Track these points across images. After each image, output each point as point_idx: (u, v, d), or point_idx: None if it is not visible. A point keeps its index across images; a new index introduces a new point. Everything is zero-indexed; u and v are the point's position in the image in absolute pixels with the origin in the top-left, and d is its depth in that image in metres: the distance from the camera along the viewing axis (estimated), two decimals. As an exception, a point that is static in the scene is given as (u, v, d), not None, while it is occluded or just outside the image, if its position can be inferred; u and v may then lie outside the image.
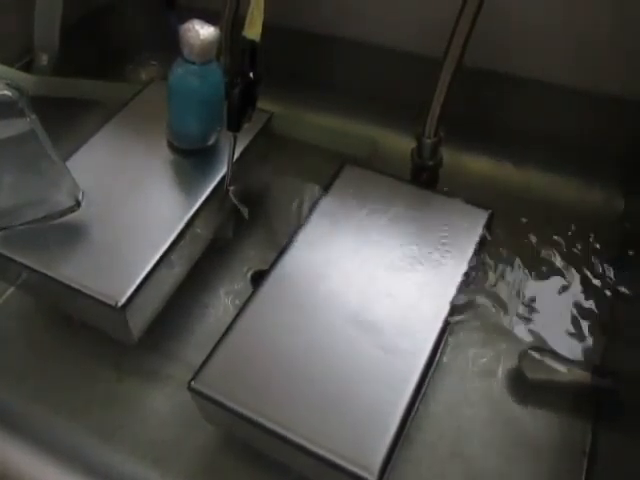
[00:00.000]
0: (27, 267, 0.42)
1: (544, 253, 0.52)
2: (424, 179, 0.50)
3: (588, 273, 0.51)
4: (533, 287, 0.50)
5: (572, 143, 0.55)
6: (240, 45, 0.43)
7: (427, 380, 0.38)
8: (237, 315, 0.40)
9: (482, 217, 0.45)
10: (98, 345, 0.47)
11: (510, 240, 0.52)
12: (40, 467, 0.41)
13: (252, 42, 0.43)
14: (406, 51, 0.57)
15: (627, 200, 0.55)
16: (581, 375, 0.44)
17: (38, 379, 0.47)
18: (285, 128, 0.60)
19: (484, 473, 0.41)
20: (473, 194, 0.47)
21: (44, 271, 0.41)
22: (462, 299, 0.42)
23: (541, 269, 0.51)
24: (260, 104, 0.46)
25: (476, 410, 0.44)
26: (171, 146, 0.49)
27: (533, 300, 0.49)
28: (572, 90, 0.53)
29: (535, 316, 0.48)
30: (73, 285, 0.41)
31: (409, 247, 0.43)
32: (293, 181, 0.57)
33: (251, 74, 0.44)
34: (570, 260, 0.51)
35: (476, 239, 0.44)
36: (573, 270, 0.51)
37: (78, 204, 0.44)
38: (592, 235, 0.53)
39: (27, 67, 0.58)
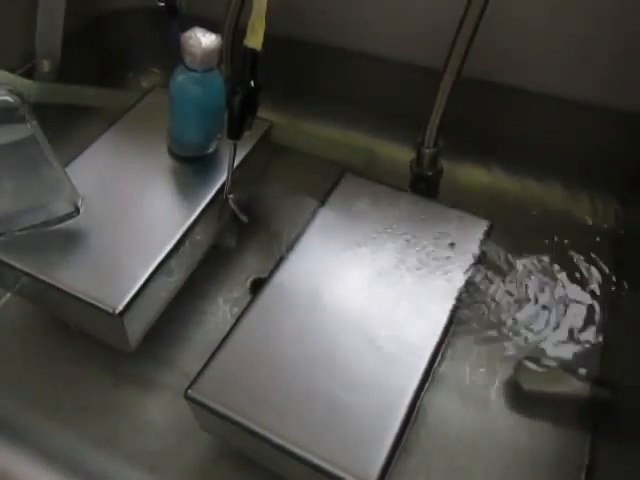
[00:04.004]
0: (25, 273, 0.42)
1: (543, 263, 0.52)
2: (423, 189, 0.50)
3: (586, 284, 0.51)
4: (531, 297, 0.50)
5: (571, 154, 0.56)
6: (241, 53, 0.44)
7: (425, 391, 0.38)
8: (235, 323, 0.40)
9: (482, 227, 0.45)
10: (95, 352, 0.47)
11: (509, 250, 0.52)
12: (35, 473, 0.40)
13: (253, 51, 0.43)
14: (406, 62, 0.57)
15: (625, 210, 0.55)
16: (579, 386, 0.44)
17: (34, 385, 0.46)
18: (285, 137, 0.60)
19: (482, 485, 0.41)
20: (472, 204, 0.47)
21: (42, 277, 0.41)
22: (461, 309, 0.42)
23: (540, 279, 0.51)
24: (260, 113, 0.46)
25: (474, 421, 0.44)
26: (171, 153, 0.50)
27: (530, 310, 0.49)
28: (571, 101, 0.53)
29: (533, 326, 0.48)
30: (71, 291, 0.41)
31: (408, 257, 0.43)
32: (292, 190, 0.57)
33: (252, 82, 0.44)
34: (568, 270, 0.51)
35: (475, 249, 0.44)
36: (571, 280, 0.51)
37: (77, 210, 0.44)
38: (591, 245, 0.53)
39: (29, 73, 0.59)
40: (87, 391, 0.46)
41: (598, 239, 0.54)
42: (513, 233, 0.54)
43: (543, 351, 0.47)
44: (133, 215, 0.45)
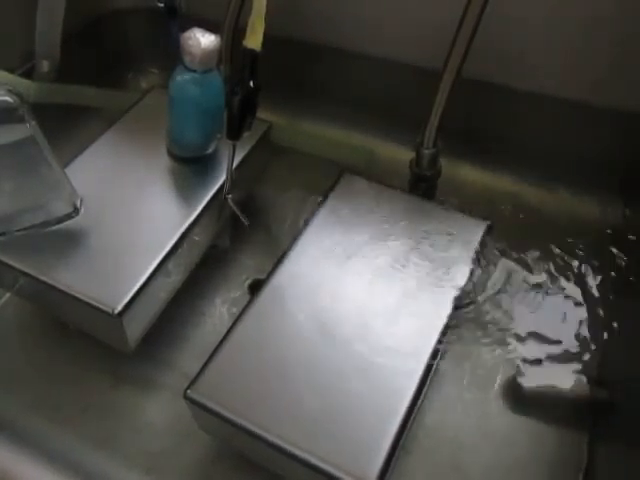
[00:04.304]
0: (24, 273, 0.42)
1: (542, 264, 0.52)
2: (422, 189, 0.50)
3: (585, 285, 0.51)
4: (531, 298, 0.50)
5: (570, 154, 0.56)
6: (241, 54, 0.44)
7: (424, 391, 0.38)
8: (234, 324, 0.40)
9: (480, 228, 0.45)
10: (94, 352, 0.47)
11: (508, 251, 0.52)
12: (34, 473, 0.40)
13: (252, 51, 0.43)
14: (405, 63, 0.57)
15: (626, 210, 0.55)
16: (578, 387, 0.44)
17: (33, 385, 0.46)
18: (284, 138, 0.60)
19: (480, 485, 0.41)
20: (471, 205, 0.47)
21: (41, 277, 0.41)
22: (459, 310, 0.42)
23: (539, 280, 0.51)
24: (259, 114, 0.46)
25: (473, 421, 0.44)
26: (170, 154, 0.50)
27: (530, 311, 0.49)
28: (571, 102, 0.53)
29: (532, 327, 0.48)
30: (70, 292, 0.41)
31: (407, 258, 0.43)
32: (291, 190, 0.57)
33: (251, 83, 0.44)
34: (568, 272, 0.51)
35: (474, 250, 0.44)
36: (570, 282, 0.51)
37: (76, 211, 0.44)
38: (591, 245, 0.53)
39: (28, 74, 0.59)
40: (86, 391, 0.46)
41: (598, 239, 0.54)
42: (512, 234, 0.53)
43: (542, 352, 0.47)
44: (132, 215, 0.45)
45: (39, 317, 0.51)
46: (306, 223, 0.46)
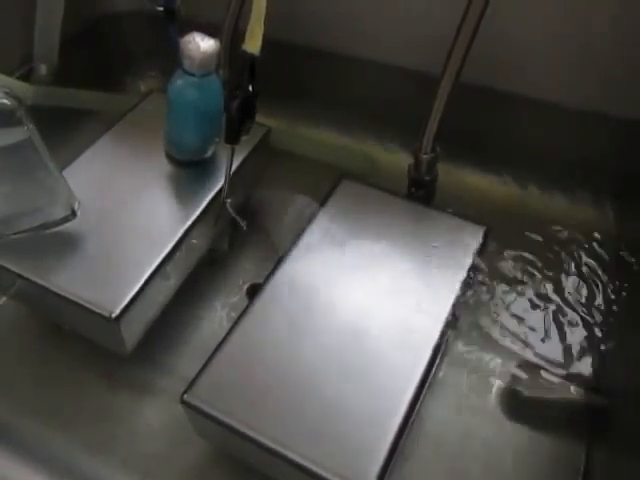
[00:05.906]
0: (21, 276, 0.42)
1: (539, 269, 0.52)
2: (420, 194, 0.50)
3: (584, 288, 0.51)
4: (528, 303, 0.50)
5: (569, 159, 0.56)
6: (240, 58, 0.44)
7: (422, 396, 0.38)
8: (232, 328, 0.40)
9: (478, 233, 0.45)
10: (91, 356, 0.47)
11: (505, 256, 0.52)
12: (29, 477, 0.40)
13: (252, 55, 0.43)
14: (404, 67, 0.58)
15: (624, 215, 0.55)
16: (575, 392, 0.44)
17: (29, 389, 0.46)
18: (283, 142, 0.60)
19: (478, 491, 0.41)
20: (469, 210, 0.47)
21: (38, 281, 0.41)
22: (457, 315, 0.42)
23: (536, 285, 0.51)
24: (258, 118, 0.46)
25: (470, 427, 0.44)
26: (169, 158, 0.49)
27: (528, 317, 0.49)
28: (568, 107, 0.53)
29: (529, 333, 0.48)
30: (67, 295, 0.40)
31: (404, 262, 0.43)
32: (290, 195, 0.57)
33: (250, 87, 0.44)
34: (566, 274, 0.52)
35: (472, 255, 0.44)
36: (568, 286, 0.51)
37: (74, 214, 0.44)
38: (588, 250, 0.53)
39: (26, 76, 0.59)
40: (83, 395, 0.46)
41: (596, 244, 0.54)
42: (510, 238, 0.54)
43: (541, 357, 0.46)
44: (130, 219, 0.45)
45: (35, 320, 0.50)
46: (304, 227, 0.46)
